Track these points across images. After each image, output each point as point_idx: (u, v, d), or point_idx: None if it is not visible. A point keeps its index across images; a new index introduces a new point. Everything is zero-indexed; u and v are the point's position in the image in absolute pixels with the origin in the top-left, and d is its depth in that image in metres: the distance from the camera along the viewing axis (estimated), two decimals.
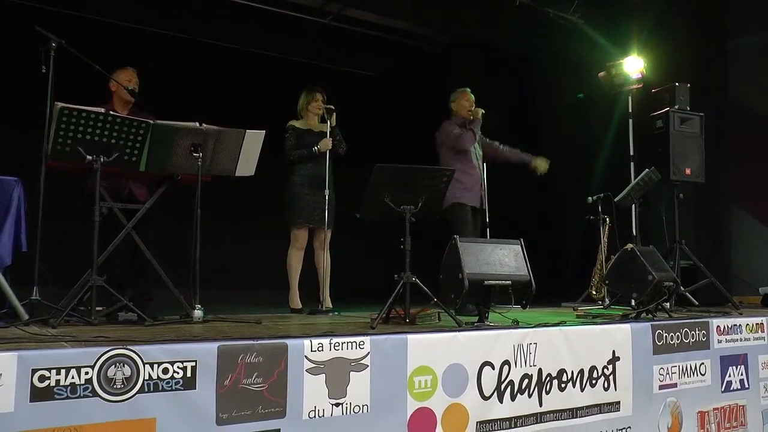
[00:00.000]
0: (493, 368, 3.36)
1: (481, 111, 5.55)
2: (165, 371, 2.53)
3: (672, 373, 4.01)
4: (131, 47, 6.86)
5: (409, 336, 3.16)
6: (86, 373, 2.39)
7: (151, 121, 3.79)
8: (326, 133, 5.06)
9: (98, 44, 4.65)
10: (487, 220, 5.76)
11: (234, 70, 8.20)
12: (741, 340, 4.39)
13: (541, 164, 5.78)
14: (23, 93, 4.64)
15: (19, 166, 3.72)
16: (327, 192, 5.00)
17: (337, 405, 2.89)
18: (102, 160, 3.59)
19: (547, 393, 3.53)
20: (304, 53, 8.71)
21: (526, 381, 3.46)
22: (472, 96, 5.68)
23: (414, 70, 9.34)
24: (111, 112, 3.78)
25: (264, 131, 4.07)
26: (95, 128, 3.56)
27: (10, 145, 4.27)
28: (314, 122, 5.25)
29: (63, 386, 2.34)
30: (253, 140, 4.05)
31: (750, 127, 6.94)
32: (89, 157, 3.56)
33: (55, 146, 3.53)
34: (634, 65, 6.34)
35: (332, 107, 5.13)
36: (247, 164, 4.10)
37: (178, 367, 2.55)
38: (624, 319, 4.23)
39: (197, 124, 3.90)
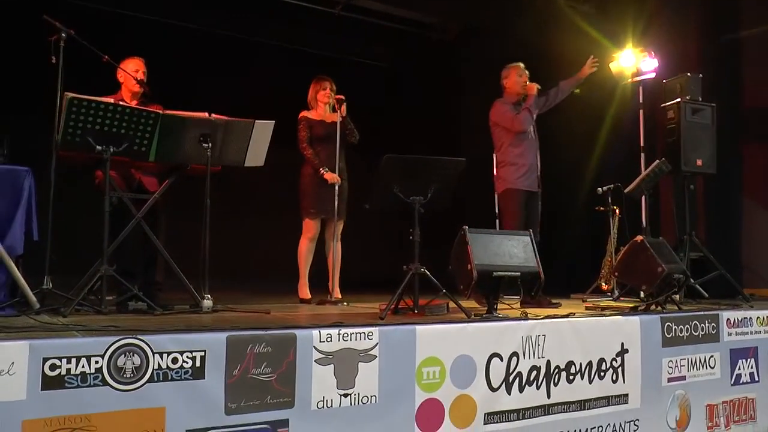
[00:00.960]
0: (502, 360, 3.36)
1: (536, 86, 5.21)
2: (174, 361, 2.55)
3: (681, 366, 4.00)
4: (140, 38, 6.85)
5: (418, 327, 3.17)
6: (96, 362, 2.41)
7: (160, 112, 3.80)
8: (337, 123, 5.05)
9: (107, 35, 4.64)
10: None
11: (243, 61, 8.20)
12: (751, 333, 4.37)
13: (588, 68, 5.40)
14: (33, 83, 4.65)
15: (29, 156, 3.74)
16: (337, 183, 5.00)
17: (345, 395, 2.90)
18: (111, 150, 3.60)
19: (555, 385, 3.53)
20: (314, 43, 8.69)
21: (535, 373, 3.46)
22: (526, 71, 5.32)
23: (423, 60, 9.31)
24: (120, 103, 3.79)
25: (273, 121, 4.07)
26: (105, 119, 3.57)
27: (21, 136, 4.28)
28: (325, 113, 5.24)
29: (73, 375, 2.37)
30: (263, 130, 4.04)
31: (762, 117, 6.87)
32: (99, 147, 3.57)
33: (65, 136, 3.53)
34: (644, 55, 6.28)
35: (342, 97, 5.12)
36: (256, 154, 4.10)
37: (187, 356, 2.57)
38: (633, 311, 4.22)
39: (206, 114, 3.91)
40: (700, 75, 5.96)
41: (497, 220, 5.94)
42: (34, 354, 2.32)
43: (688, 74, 5.90)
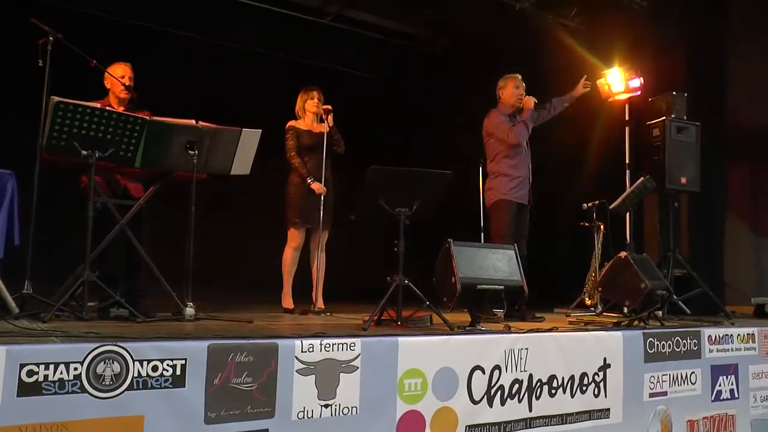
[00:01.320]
0: (484, 372, 3.36)
1: (533, 100, 5.12)
2: (155, 369, 2.52)
3: (662, 382, 4.02)
4: (128, 44, 6.85)
5: (400, 338, 3.16)
6: (75, 368, 2.38)
7: (147, 118, 3.78)
8: (324, 133, 5.05)
9: (95, 40, 4.63)
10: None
11: (232, 69, 8.20)
12: (732, 350, 4.40)
13: (581, 87, 5.37)
14: (19, 86, 4.63)
15: (13, 160, 3.71)
16: (323, 193, 5.00)
17: (326, 406, 2.88)
18: (97, 155, 3.58)
19: (537, 398, 3.53)
20: (303, 53, 8.71)
21: (517, 386, 3.46)
22: (523, 83, 5.25)
23: (412, 73, 9.35)
24: (107, 108, 3.77)
25: (260, 130, 4.07)
26: (91, 123, 3.55)
27: (5, 138, 4.26)
28: (313, 122, 5.24)
29: (51, 381, 2.34)
30: (250, 139, 4.04)
31: (745, 136, 6.96)
32: (84, 152, 3.54)
33: (50, 140, 3.51)
34: (631, 73, 6.34)
35: (329, 107, 5.13)
36: (242, 163, 4.09)
37: (167, 364, 2.55)
38: (616, 326, 4.24)
39: (194, 121, 3.90)
40: (686, 94, 6.03)
41: (482, 233, 5.95)
42: (11, 359, 2.29)
43: (674, 92, 5.97)
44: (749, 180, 6.98)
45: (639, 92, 6.30)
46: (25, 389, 2.29)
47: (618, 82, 6.40)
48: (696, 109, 6.12)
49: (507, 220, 5.04)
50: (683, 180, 5.77)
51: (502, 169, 5.13)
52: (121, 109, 4.09)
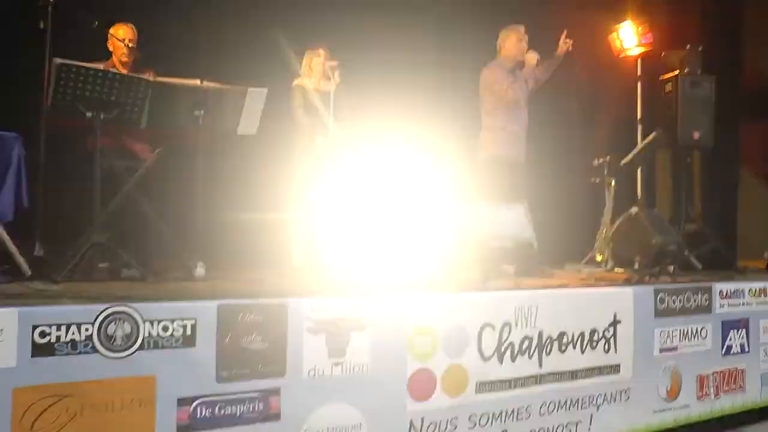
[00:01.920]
0: (494, 329, 3.37)
1: (536, 57, 4.89)
2: (165, 329, 2.54)
3: (673, 337, 4.02)
4: (131, 3, 6.74)
5: (411, 296, 3.17)
6: (86, 329, 2.40)
7: (151, 79, 3.75)
8: (331, 93, 4.98)
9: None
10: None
11: (238, 28, 8.07)
12: (743, 304, 4.38)
13: (563, 44, 5.14)
14: (24, 49, 4.58)
15: (19, 123, 3.69)
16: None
17: (337, 364, 2.90)
18: (102, 117, 3.55)
19: (548, 355, 3.54)
20: (307, 11, 8.56)
21: (527, 343, 3.47)
22: (526, 36, 4.97)
23: (414, 28, 9.16)
24: (111, 70, 3.74)
25: (266, 89, 4.02)
26: (94, 85, 3.52)
27: (11, 102, 4.22)
28: (320, 81, 5.17)
29: (63, 342, 2.36)
30: (256, 98, 3.99)
31: (761, 91, 6.83)
32: (89, 114, 3.52)
33: (54, 103, 3.49)
34: (644, 27, 6.21)
35: (335, 63, 5.04)
36: (249, 123, 4.05)
37: (178, 324, 2.56)
38: (627, 282, 4.22)
39: (198, 81, 3.85)
40: (700, 47, 5.90)
41: None
42: (23, 321, 2.31)
43: (689, 46, 5.84)
44: (764, 135, 6.87)
45: (652, 46, 6.19)
46: (39, 350, 2.32)
47: (630, 36, 6.27)
48: (710, 64, 5.99)
49: (500, 176, 4.81)
50: (696, 135, 5.68)
51: (497, 123, 4.93)
52: (125, 70, 4.05)
